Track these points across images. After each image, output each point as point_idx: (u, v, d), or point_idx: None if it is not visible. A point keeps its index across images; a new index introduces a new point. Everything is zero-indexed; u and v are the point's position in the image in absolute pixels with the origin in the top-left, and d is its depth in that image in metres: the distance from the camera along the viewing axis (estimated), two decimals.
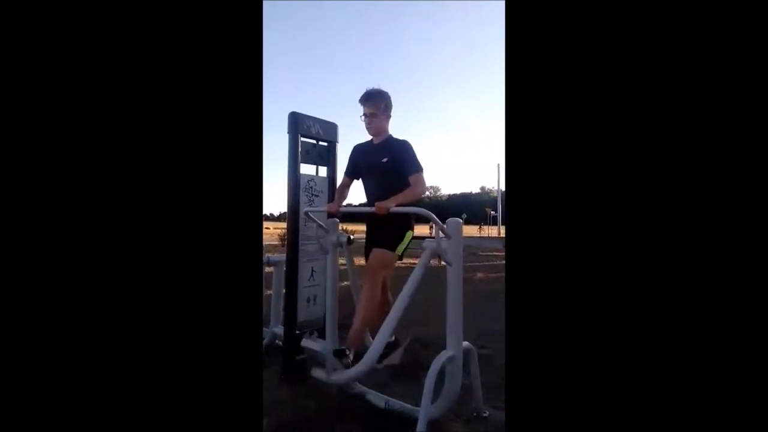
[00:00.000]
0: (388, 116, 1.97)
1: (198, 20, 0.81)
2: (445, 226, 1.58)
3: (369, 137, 2.02)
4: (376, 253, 1.88)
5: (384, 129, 1.96)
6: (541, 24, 0.80)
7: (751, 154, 0.71)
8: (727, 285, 0.70)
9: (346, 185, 2.07)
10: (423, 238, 1.73)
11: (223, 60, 0.82)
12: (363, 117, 1.93)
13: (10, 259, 0.73)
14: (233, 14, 0.82)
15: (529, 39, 0.81)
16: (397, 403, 1.77)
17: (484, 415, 1.75)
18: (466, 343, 1.66)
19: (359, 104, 1.94)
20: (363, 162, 1.98)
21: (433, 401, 1.51)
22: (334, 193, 2.16)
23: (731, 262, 0.71)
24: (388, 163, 1.87)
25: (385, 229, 1.87)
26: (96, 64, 0.77)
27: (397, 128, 1.98)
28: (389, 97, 1.96)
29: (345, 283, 2.23)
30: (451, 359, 1.58)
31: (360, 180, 2.05)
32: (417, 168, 1.84)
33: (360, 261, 2.28)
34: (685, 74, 0.74)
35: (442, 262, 1.63)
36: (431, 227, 1.72)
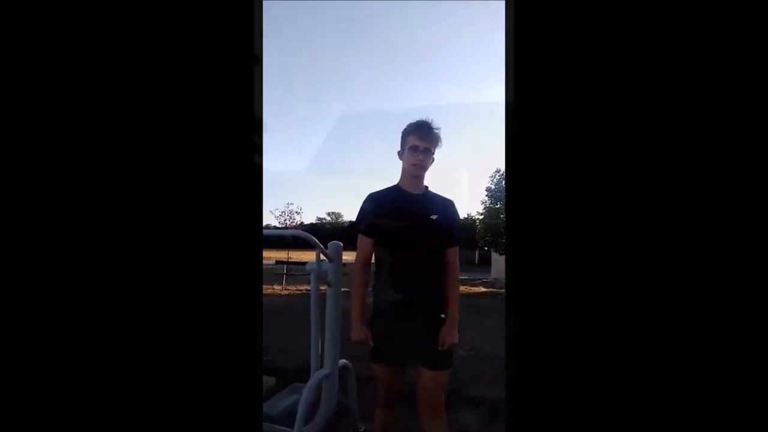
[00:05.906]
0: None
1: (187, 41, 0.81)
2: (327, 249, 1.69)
3: (377, 185, 1.54)
4: (438, 377, 1.41)
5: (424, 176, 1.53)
6: (541, 25, 0.79)
7: (755, 169, 0.70)
8: (730, 323, 0.70)
9: (369, 255, 1.49)
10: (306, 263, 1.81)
11: (222, 66, 0.82)
12: (413, 151, 1.43)
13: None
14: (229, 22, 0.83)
15: (529, 41, 0.79)
16: (270, 426, 1.77)
17: (361, 431, 1.84)
18: (343, 361, 1.76)
19: (408, 134, 1.45)
20: (398, 215, 1.45)
21: (308, 421, 1.56)
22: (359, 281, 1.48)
23: (734, 297, 0.70)
24: (439, 222, 1.45)
25: (435, 339, 1.41)
26: (94, 64, 0.76)
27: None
28: None
29: None
30: (326, 377, 1.65)
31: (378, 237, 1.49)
32: (458, 239, 1.52)
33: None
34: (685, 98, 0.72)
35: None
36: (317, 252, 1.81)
